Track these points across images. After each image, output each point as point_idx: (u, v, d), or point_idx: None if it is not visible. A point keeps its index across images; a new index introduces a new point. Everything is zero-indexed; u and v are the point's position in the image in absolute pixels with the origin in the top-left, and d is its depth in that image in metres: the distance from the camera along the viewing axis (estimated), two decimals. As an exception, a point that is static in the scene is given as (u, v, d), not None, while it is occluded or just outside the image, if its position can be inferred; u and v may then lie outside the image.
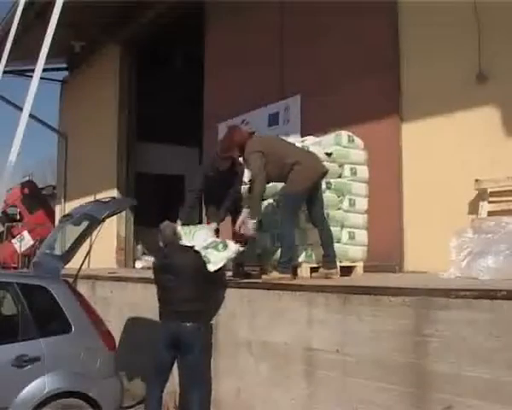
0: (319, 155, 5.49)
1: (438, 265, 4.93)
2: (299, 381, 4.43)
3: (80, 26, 11.45)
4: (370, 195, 5.95)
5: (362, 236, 5.90)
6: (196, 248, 5.19)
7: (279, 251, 5.34)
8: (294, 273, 5.28)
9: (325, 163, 5.45)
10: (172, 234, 5.22)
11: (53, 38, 7.36)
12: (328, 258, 5.32)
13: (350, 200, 5.82)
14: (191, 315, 4.93)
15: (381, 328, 3.81)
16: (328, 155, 5.70)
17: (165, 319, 5.06)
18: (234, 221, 5.67)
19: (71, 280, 5.18)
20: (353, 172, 5.87)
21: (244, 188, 5.86)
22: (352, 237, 5.80)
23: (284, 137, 6.39)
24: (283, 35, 8.29)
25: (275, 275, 5.11)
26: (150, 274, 5.44)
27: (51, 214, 15.94)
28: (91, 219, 5.14)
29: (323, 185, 5.50)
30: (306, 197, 5.23)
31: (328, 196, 5.58)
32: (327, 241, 5.33)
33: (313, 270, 5.51)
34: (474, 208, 5.65)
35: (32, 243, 15.23)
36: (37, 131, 15.10)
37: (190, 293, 4.96)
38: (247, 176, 5.72)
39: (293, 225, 5.23)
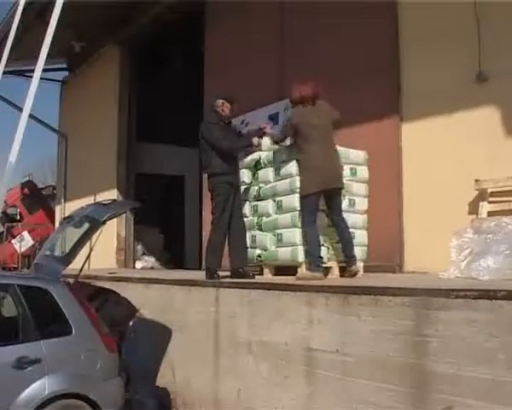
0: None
1: (438, 265, 4.93)
2: (299, 381, 4.43)
3: (80, 26, 11.46)
4: (370, 195, 5.96)
5: (362, 236, 5.90)
6: None
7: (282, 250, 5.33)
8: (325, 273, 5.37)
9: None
10: None
11: (53, 38, 7.34)
12: (351, 258, 5.49)
13: (350, 200, 5.83)
14: None
15: (381, 328, 3.80)
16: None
17: None
18: None
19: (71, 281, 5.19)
20: (353, 173, 5.88)
21: None
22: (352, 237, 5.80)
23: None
24: (283, 35, 8.29)
25: (306, 275, 5.18)
26: (151, 274, 5.44)
27: (51, 215, 15.94)
28: (92, 222, 5.14)
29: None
30: (320, 197, 5.34)
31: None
32: (347, 242, 5.49)
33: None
34: (474, 208, 5.64)
35: (31, 243, 15.25)
36: (37, 131, 15.12)
37: None
38: None
39: (311, 224, 5.29)
